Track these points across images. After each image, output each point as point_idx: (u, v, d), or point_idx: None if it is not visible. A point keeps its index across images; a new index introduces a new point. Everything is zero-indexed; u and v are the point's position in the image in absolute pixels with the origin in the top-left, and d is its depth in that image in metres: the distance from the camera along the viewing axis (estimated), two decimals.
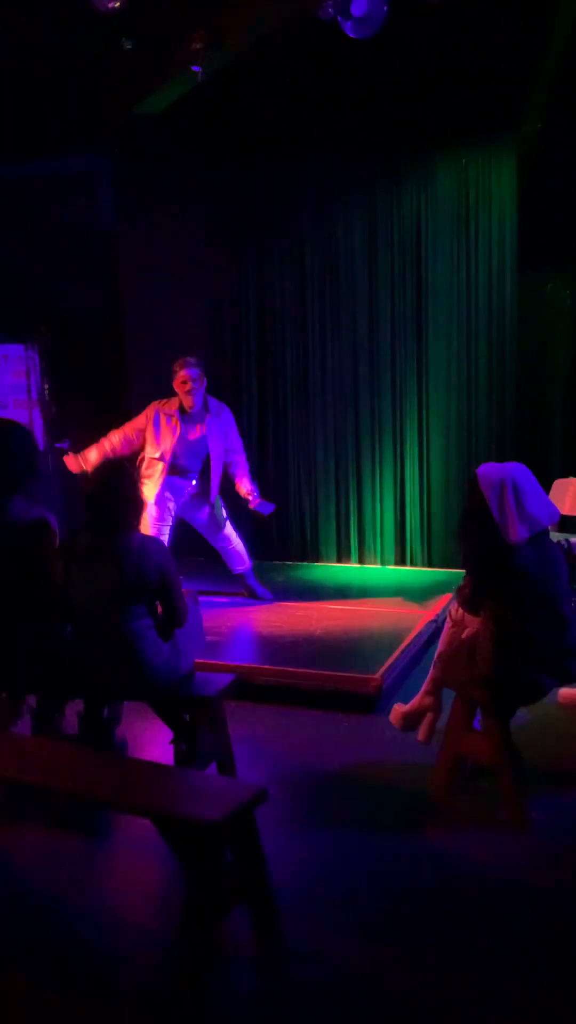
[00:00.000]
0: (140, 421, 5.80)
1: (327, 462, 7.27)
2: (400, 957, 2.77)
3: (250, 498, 5.94)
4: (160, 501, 5.80)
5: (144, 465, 5.78)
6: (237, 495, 6.04)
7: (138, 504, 3.61)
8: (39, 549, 3.57)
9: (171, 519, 5.88)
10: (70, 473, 5.99)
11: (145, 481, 5.73)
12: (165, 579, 3.51)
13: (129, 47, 5.39)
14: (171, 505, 5.86)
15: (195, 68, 5.37)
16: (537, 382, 6.92)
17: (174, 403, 5.74)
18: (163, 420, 5.69)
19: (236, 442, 5.91)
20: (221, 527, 6.00)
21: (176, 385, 5.69)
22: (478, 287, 6.72)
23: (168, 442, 5.69)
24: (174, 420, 5.69)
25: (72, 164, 6.92)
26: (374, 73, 5.90)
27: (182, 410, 5.71)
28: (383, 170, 6.86)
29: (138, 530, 3.61)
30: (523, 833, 3.42)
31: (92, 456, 5.72)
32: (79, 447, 5.98)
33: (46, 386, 7.60)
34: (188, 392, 5.64)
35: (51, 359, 7.62)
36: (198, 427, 5.75)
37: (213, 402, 5.83)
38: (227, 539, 6.05)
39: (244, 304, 7.34)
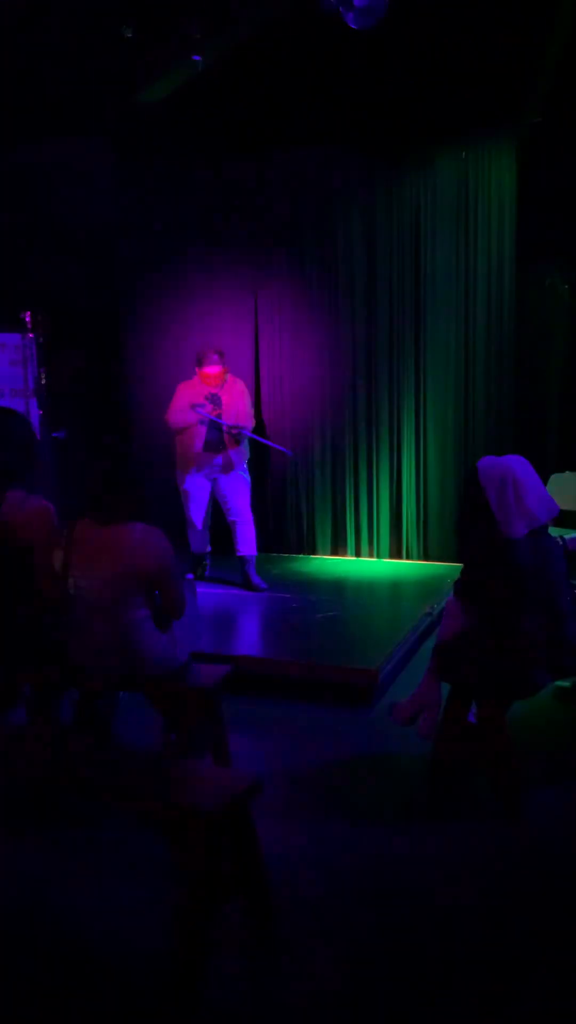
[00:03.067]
0: (184, 402, 6.13)
1: (324, 454, 7.27)
2: (393, 948, 2.78)
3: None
4: (194, 483, 6.21)
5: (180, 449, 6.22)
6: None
7: (139, 494, 3.60)
8: (37, 539, 3.56)
9: (206, 499, 6.27)
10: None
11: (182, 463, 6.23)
12: (164, 570, 3.51)
13: (129, 35, 5.36)
14: (205, 485, 6.25)
15: (195, 58, 5.35)
16: (535, 375, 6.92)
17: (198, 386, 6.14)
18: (195, 400, 6.10)
19: (244, 413, 6.22)
20: (241, 506, 6.25)
21: (200, 375, 6.15)
22: (477, 280, 6.71)
23: (202, 427, 6.07)
24: (204, 407, 6.10)
25: (71, 152, 6.88)
26: (374, 65, 5.87)
27: (208, 396, 6.14)
28: (382, 162, 6.84)
29: (140, 520, 3.59)
30: (517, 825, 3.44)
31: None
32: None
33: (42, 375, 7.57)
34: (212, 383, 6.14)
35: (48, 348, 7.59)
36: (217, 408, 6.14)
37: (230, 380, 6.25)
38: (240, 515, 6.25)
39: (241, 294, 7.32)
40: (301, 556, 7.35)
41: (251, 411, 6.27)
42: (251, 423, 6.24)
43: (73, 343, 7.89)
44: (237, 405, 6.14)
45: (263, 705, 4.60)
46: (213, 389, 6.14)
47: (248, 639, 5.46)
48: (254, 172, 7.12)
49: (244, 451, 6.24)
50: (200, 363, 6.14)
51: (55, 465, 7.41)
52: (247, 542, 6.29)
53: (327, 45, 5.62)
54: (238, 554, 6.30)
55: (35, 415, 7.50)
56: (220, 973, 2.67)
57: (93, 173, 7.19)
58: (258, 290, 7.29)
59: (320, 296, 7.15)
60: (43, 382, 7.52)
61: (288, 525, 7.43)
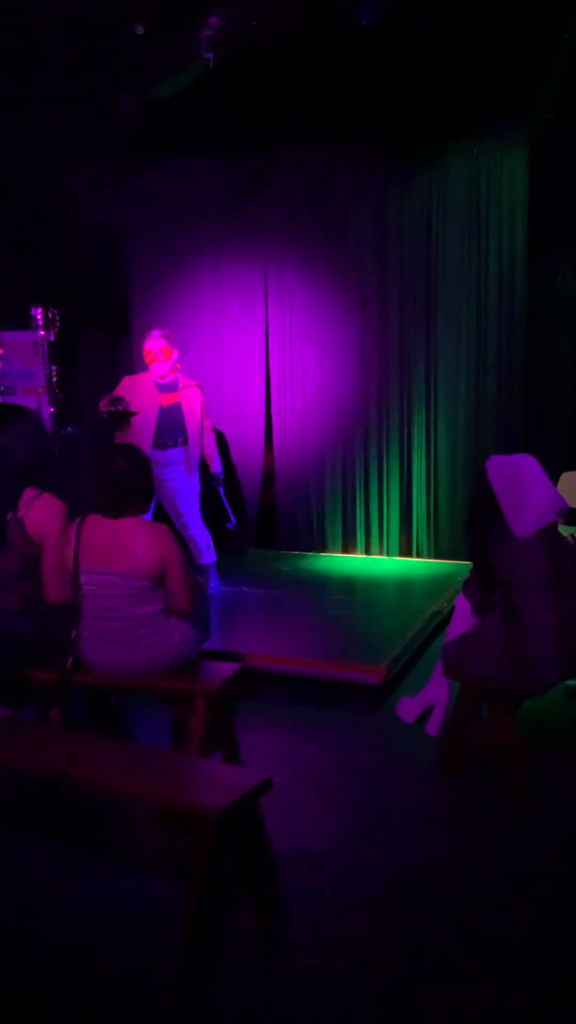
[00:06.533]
0: (121, 392, 5.85)
1: (334, 452, 7.26)
2: (402, 945, 2.78)
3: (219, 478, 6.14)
4: None
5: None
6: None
7: (146, 489, 3.62)
8: (49, 535, 3.58)
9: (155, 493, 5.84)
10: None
11: None
12: (171, 566, 3.52)
13: (140, 32, 5.36)
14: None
15: (207, 54, 5.34)
16: (546, 373, 6.90)
17: (146, 377, 5.90)
18: (141, 395, 5.79)
19: (207, 422, 6.01)
20: (190, 513, 5.94)
21: (144, 356, 5.91)
22: (488, 277, 6.69)
23: (150, 414, 5.77)
24: (150, 392, 5.81)
25: (81, 149, 6.88)
26: (386, 61, 5.85)
27: (156, 384, 5.85)
28: (394, 158, 6.81)
29: (146, 515, 3.62)
30: (527, 823, 3.43)
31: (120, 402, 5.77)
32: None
33: (54, 372, 7.60)
34: (151, 362, 5.84)
35: (59, 345, 7.62)
36: (172, 396, 5.86)
37: (185, 379, 5.97)
38: (194, 528, 5.94)
39: (253, 292, 7.32)
40: (311, 553, 7.35)
41: (210, 426, 6.03)
42: (210, 437, 6.02)
43: (83, 339, 7.91)
44: (193, 409, 5.87)
45: (273, 703, 4.60)
46: (159, 378, 5.82)
47: (258, 637, 5.46)
48: (264, 167, 7.11)
49: (197, 453, 5.93)
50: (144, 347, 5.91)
51: (66, 462, 7.44)
52: (199, 552, 5.96)
53: (337, 41, 5.61)
54: (195, 563, 5.92)
55: (46, 412, 7.53)
56: (227, 970, 2.68)
57: (102, 168, 7.19)
58: (269, 286, 7.28)
59: (331, 293, 7.13)
60: (54, 379, 7.55)
61: (298, 522, 7.42)
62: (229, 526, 6.27)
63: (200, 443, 5.94)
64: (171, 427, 5.81)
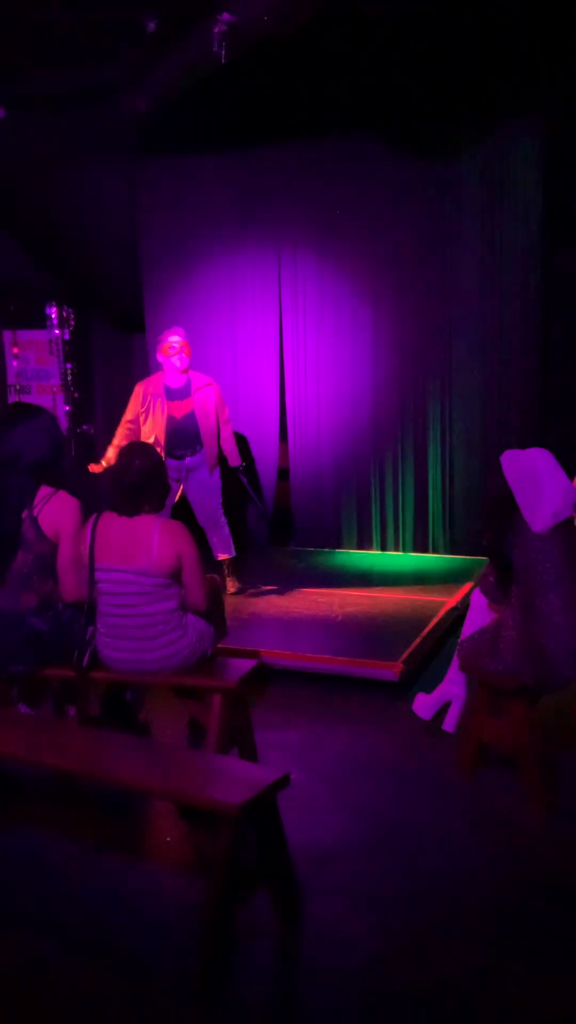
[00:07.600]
0: (134, 406, 5.84)
1: (349, 447, 7.24)
2: (419, 942, 2.77)
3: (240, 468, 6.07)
4: None
5: None
6: (237, 484, 6.20)
7: (162, 487, 3.62)
8: (64, 534, 3.59)
9: (171, 499, 5.80)
10: (93, 457, 6.03)
11: None
12: (186, 562, 3.53)
13: (152, 29, 5.36)
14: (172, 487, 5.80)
15: (218, 48, 5.33)
16: (562, 367, 6.85)
17: (157, 381, 5.81)
18: (151, 401, 5.75)
19: (223, 416, 5.93)
20: (212, 509, 5.97)
21: (161, 351, 5.78)
22: (503, 267, 6.64)
23: (159, 424, 5.72)
24: (159, 400, 5.74)
25: (95, 144, 6.89)
26: (398, 49, 5.81)
27: (167, 390, 5.77)
28: (407, 150, 6.77)
29: (161, 513, 3.63)
30: (545, 819, 3.42)
31: (111, 454, 5.78)
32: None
33: (69, 371, 7.63)
34: (175, 354, 5.70)
35: (74, 344, 7.65)
36: (185, 403, 5.78)
37: (199, 377, 5.88)
38: (215, 524, 5.99)
39: (267, 285, 7.30)
40: (326, 549, 7.34)
41: (227, 418, 5.94)
42: (227, 432, 5.91)
43: (98, 337, 7.93)
44: (208, 414, 5.80)
45: (289, 699, 4.60)
46: (172, 379, 5.76)
47: (274, 634, 5.45)
48: (277, 163, 7.09)
49: (214, 453, 5.86)
50: (160, 342, 5.83)
51: (81, 460, 7.47)
52: (223, 546, 6.03)
53: (350, 31, 5.58)
54: (216, 559, 6.00)
55: (61, 410, 7.57)
56: (245, 963, 2.68)
57: (114, 166, 7.20)
58: (282, 282, 7.27)
59: (345, 288, 7.11)
60: (69, 378, 7.58)
61: (313, 518, 7.41)
62: (264, 509, 6.36)
63: (216, 443, 5.88)
64: (185, 438, 5.76)
